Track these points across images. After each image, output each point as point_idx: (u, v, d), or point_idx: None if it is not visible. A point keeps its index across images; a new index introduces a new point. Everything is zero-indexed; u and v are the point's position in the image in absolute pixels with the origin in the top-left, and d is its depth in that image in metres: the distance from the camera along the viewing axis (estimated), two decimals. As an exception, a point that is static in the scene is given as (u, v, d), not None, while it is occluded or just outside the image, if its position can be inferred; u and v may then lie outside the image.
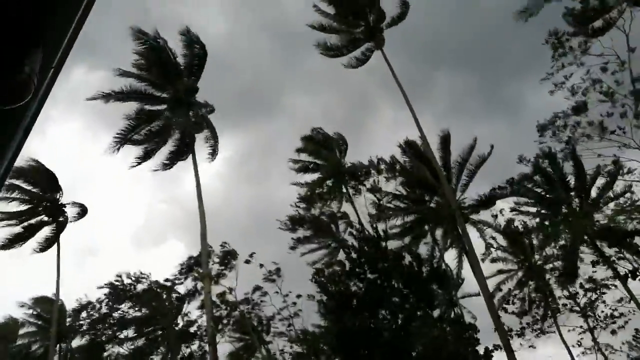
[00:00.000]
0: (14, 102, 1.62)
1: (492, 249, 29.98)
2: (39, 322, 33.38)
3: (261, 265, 27.01)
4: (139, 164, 25.33)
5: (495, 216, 27.01)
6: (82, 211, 29.03)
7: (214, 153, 26.75)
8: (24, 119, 1.84)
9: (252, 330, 29.01)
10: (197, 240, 23.75)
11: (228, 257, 28.43)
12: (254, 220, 68.67)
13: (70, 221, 28.74)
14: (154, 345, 30.11)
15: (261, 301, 28.75)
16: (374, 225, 24.07)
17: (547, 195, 26.31)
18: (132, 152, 25.83)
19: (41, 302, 32.64)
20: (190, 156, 25.74)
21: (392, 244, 23.19)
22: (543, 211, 26.95)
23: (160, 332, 30.06)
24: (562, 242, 25.81)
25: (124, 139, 24.56)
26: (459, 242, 27.86)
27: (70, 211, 28.79)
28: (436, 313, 17.84)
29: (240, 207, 72.49)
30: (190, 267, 28.85)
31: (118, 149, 24.26)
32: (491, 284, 29.34)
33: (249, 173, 79.76)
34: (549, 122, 22.53)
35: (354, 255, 19.08)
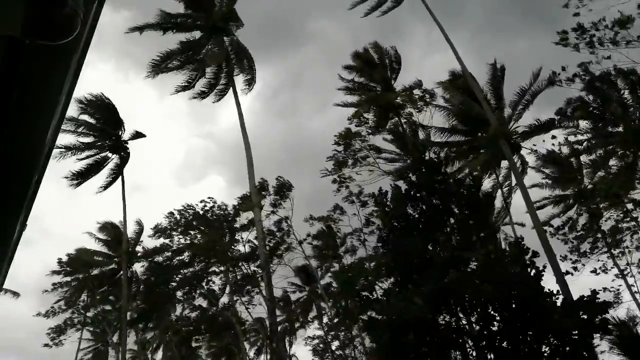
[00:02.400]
0: (62, 37, 1.58)
1: (542, 179, 29.44)
2: (107, 250, 36.03)
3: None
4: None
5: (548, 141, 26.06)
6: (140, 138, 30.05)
7: (251, 81, 26.63)
8: (74, 54, 1.78)
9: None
10: (237, 175, 24.63)
11: (283, 189, 29.25)
12: (289, 154, 69.17)
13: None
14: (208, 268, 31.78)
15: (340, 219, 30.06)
16: (429, 150, 23.95)
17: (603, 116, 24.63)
18: (167, 91, 26.30)
19: (108, 228, 34.97)
20: (230, 89, 25.88)
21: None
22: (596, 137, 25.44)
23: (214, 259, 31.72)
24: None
25: (160, 65, 24.98)
26: (509, 170, 27.24)
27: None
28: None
29: (273, 141, 72.95)
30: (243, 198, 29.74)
31: (155, 74, 24.89)
32: (541, 212, 29.09)
33: (279, 106, 79.27)
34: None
35: (412, 178, 19.13)
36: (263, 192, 28.91)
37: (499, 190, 28.67)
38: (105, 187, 29.45)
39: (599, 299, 15.73)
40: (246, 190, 28.42)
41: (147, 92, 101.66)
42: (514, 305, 14.96)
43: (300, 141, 70.04)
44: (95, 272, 38.29)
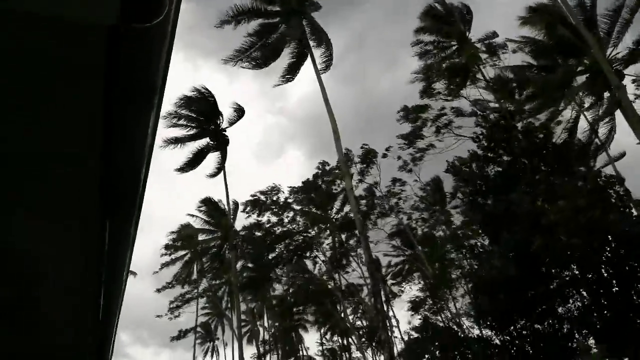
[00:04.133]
0: (151, 18, 1.54)
1: None
2: (209, 227, 38.93)
3: (398, 157, 28.24)
4: (280, 84, 27.60)
5: None
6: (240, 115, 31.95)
7: (329, 59, 27.14)
8: (166, 38, 1.72)
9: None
10: (315, 147, 25.53)
11: (369, 156, 29.98)
12: (363, 119, 68.75)
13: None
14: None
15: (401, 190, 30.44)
16: (504, 106, 23.21)
17: None
18: (236, 75, 27.52)
19: (209, 204, 37.59)
20: (310, 65, 26.52)
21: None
22: None
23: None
24: None
25: (244, 54, 26.26)
26: (610, 102, 25.38)
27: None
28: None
29: (346, 107, 72.76)
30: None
31: (236, 62, 26.23)
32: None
33: (347, 72, 78.32)
34: None
35: (484, 142, 19.05)
36: (348, 163, 29.69)
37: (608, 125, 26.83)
38: (213, 175, 32.01)
39: None
40: (327, 160, 29.80)
41: (216, 78, 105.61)
42: (609, 251, 14.53)
43: (372, 103, 69.59)
44: (199, 247, 41.79)
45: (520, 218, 15.88)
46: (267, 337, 46.69)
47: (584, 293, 15.57)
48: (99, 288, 2.80)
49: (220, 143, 31.74)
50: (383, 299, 39.36)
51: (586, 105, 27.42)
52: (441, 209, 35.00)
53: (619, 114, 23.92)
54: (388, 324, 35.92)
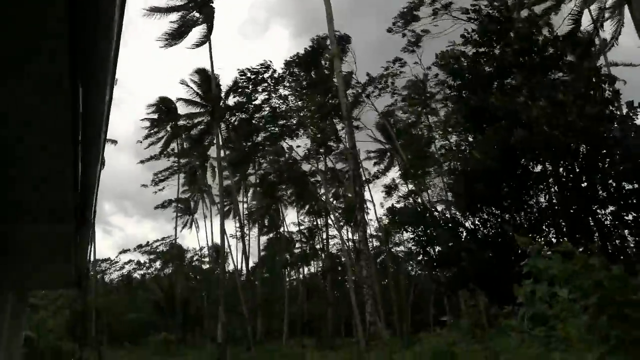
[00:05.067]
0: None
1: None
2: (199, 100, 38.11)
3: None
4: None
5: None
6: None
7: None
8: None
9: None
10: (303, 27, 24.16)
11: (342, 42, 28.69)
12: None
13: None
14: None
15: (400, 72, 29.72)
16: None
17: None
18: None
19: (202, 74, 36.20)
20: None
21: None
22: None
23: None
24: None
25: None
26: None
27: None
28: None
29: None
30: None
31: None
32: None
33: None
34: None
35: (476, 37, 18.31)
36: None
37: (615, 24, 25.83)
38: (198, 44, 30.59)
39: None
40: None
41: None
42: (586, 149, 14.90)
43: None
44: (183, 122, 41.58)
45: (505, 113, 15.93)
46: (247, 213, 48.74)
47: (555, 188, 16.28)
48: (75, 150, 2.78)
49: (206, 12, 29.95)
50: (362, 183, 40.77)
51: None
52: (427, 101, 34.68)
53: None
54: (365, 206, 37.67)
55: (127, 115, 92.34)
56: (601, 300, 4.45)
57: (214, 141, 34.87)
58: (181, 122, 42.12)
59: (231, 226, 53.16)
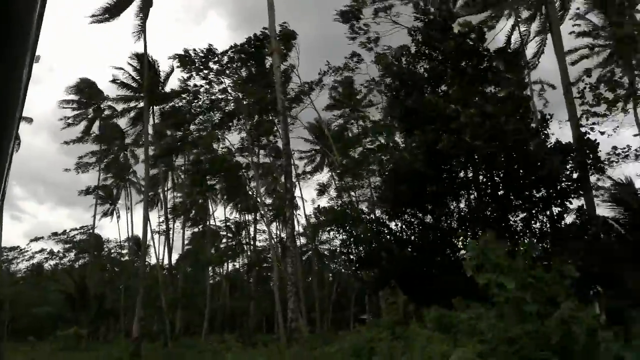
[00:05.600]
0: None
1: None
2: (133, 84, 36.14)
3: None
4: None
5: None
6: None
7: None
8: None
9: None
10: (240, 18, 23.76)
11: (287, 38, 28.41)
12: None
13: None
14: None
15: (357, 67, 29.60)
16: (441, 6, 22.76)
17: None
18: None
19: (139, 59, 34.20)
20: None
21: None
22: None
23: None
24: None
25: None
26: (544, 19, 25.81)
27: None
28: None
29: None
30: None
31: None
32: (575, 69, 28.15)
33: None
34: None
35: (419, 38, 18.94)
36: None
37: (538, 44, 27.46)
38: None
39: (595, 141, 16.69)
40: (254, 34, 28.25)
41: None
42: (504, 158, 15.92)
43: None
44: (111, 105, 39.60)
45: (437, 118, 16.54)
46: (173, 203, 47.18)
47: (475, 194, 17.18)
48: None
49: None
50: (294, 180, 40.81)
51: (524, 16, 27.65)
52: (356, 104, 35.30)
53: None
54: (295, 203, 37.73)
55: (44, 94, 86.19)
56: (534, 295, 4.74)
57: (144, 128, 33.37)
58: (107, 106, 40.09)
59: (156, 218, 51.21)
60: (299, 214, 42.86)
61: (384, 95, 21.02)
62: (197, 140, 33.17)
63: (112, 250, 59.19)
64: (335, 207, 23.41)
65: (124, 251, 56.94)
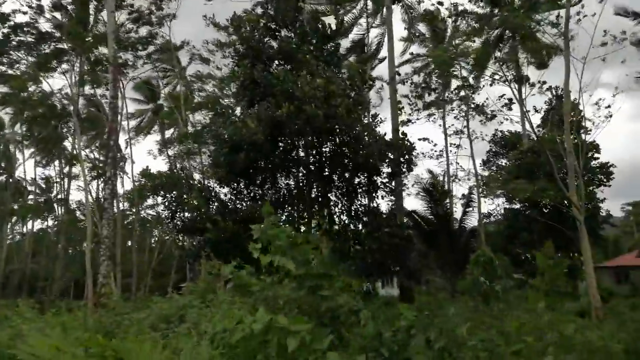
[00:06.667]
0: None
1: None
2: None
3: None
4: None
5: None
6: None
7: None
8: None
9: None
10: None
11: None
12: None
13: None
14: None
15: None
16: None
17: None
18: None
19: None
20: None
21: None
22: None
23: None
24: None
25: None
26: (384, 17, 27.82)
27: None
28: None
29: None
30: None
31: None
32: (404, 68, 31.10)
33: None
34: None
35: (270, 11, 18.91)
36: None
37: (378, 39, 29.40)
38: None
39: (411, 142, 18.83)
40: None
41: None
42: (339, 139, 17.02)
43: None
44: None
45: (281, 92, 16.68)
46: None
47: (303, 172, 17.99)
48: None
49: None
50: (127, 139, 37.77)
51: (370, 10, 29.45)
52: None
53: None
54: (120, 163, 34.99)
55: None
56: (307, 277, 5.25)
57: None
58: None
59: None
60: (125, 175, 40.09)
61: (232, 60, 20.28)
62: (9, 78, 28.42)
63: None
64: (165, 172, 22.14)
65: None
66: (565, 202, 19.47)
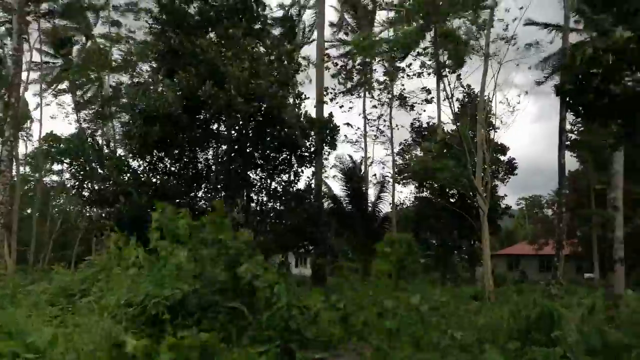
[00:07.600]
0: None
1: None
2: None
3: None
4: None
5: None
6: None
7: None
8: None
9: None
10: None
11: None
12: None
13: None
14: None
15: None
16: None
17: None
18: None
19: None
20: None
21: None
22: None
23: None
24: None
25: None
26: None
27: None
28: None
29: None
30: None
31: None
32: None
33: None
34: None
35: None
36: None
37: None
38: None
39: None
40: None
41: None
42: (261, 118, 16.86)
43: None
44: None
45: (202, 63, 16.07)
46: None
47: (222, 147, 17.63)
48: None
49: None
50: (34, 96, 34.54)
51: None
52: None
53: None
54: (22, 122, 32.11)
55: None
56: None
57: None
58: None
59: None
60: (30, 138, 36.97)
61: (149, 27, 19.17)
62: None
63: None
64: (71, 138, 20.55)
65: None
66: (471, 192, 20.80)
